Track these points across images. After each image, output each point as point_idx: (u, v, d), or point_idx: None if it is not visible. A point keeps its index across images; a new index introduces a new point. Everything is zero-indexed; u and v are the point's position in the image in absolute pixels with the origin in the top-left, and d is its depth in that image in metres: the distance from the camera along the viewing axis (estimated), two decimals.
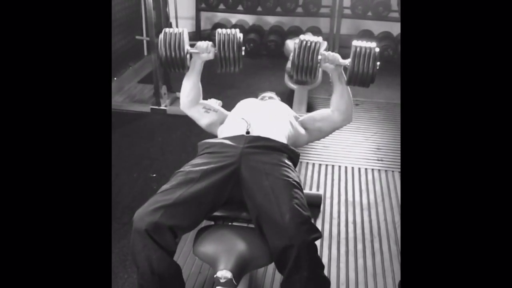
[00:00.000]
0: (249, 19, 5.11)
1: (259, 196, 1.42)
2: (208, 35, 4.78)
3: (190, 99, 1.81)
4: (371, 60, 1.60)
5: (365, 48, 1.62)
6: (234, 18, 5.11)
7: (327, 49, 3.80)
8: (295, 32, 4.71)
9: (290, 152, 1.62)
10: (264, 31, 4.97)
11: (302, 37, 1.68)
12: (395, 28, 4.65)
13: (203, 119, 1.84)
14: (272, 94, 2.12)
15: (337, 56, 1.68)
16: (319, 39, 1.68)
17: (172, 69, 1.73)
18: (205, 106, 1.83)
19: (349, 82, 1.67)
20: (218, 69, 1.72)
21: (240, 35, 1.70)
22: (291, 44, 3.73)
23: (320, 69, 1.70)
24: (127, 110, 3.45)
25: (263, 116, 1.76)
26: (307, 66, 1.64)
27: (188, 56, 1.73)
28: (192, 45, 1.75)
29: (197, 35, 4.91)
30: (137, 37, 3.86)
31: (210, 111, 1.83)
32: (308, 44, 1.64)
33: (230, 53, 1.67)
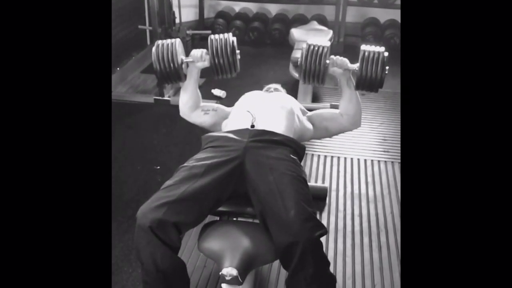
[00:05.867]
0: (253, 7, 5.04)
1: (263, 191, 1.40)
2: (212, 24, 4.72)
3: (189, 107, 1.79)
4: (379, 64, 1.60)
5: (374, 52, 1.62)
6: (238, 6, 5.04)
7: (332, 38, 3.74)
8: (300, 20, 4.64)
9: (296, 146, 1.59)
10: (268, 19, 4.90)
11: (309, 41, 1.67)
12: None
13: (205, 122, 1.81)
14: (278, 86, 2.08)
15: (345, 60, 1.67)
16: (327, 43, 1.66)
17: (168, 82, 1.71)
18: (203, 108, 1.81)
19: (357, 87, 1.66)
20: (214, 76, 1.71)
21: (233, 39, 1.67)
22: (296, 33, 3.68)
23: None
24: (131, 101, 3.43)
25: (268, 109, 1.73)
26: (314, 70, 1.63)
27: (184, 66, 1.71)
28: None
29: (200, 24, 4.85)
30: (140, 26, 3.81)
31: (210, 111, 1.80)
32: (316, 48, 1.63)
33: (225, 59, 1.65)
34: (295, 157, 1.54)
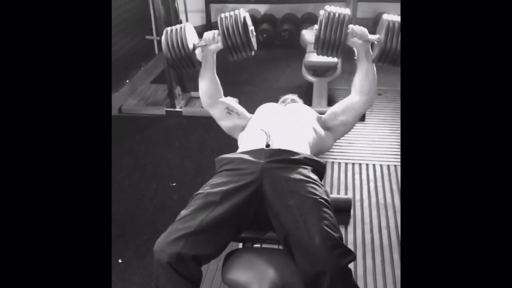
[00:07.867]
0: (261, 8, 4.95)
1: (285, 216, 1.32)
2: None
3: (209, 96, 1.69)
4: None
5: (399, 22, 1.47)
6: (245, 8, 4.92)
7: None
8: (310, 19, 4.53)
9: (315, 164, 1.49)
10: (277, 20, 4.80)
11: (328, 7, 1.52)
12: None
13: (224, 121, 1.73)
14: (294, 97, 1.99)
15: (365, 30, 1.54)
16: (347, 10, 1.51)
17: (181, 69, 1.60)
18: (228, 107, 1.72)
19: (379, 60, 1.53)
20: (229, 58, 1.58)
21: (244, 15, 1.54)
22: (307, 34, 3.57)
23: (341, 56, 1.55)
24: (142, 114, 3.37)
25: (284, 124, 1.63)
26: (334, 41, 1.48)
27: (197, 51, 1.59)
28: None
29: (207, 28, 4.76)
30: (147, 37, 3.75)
31: (233, 113, 1.71)
32: (336, 16, 1.48)
33: (237, 37, 1.52)
34: (315, 177, 1.44)
